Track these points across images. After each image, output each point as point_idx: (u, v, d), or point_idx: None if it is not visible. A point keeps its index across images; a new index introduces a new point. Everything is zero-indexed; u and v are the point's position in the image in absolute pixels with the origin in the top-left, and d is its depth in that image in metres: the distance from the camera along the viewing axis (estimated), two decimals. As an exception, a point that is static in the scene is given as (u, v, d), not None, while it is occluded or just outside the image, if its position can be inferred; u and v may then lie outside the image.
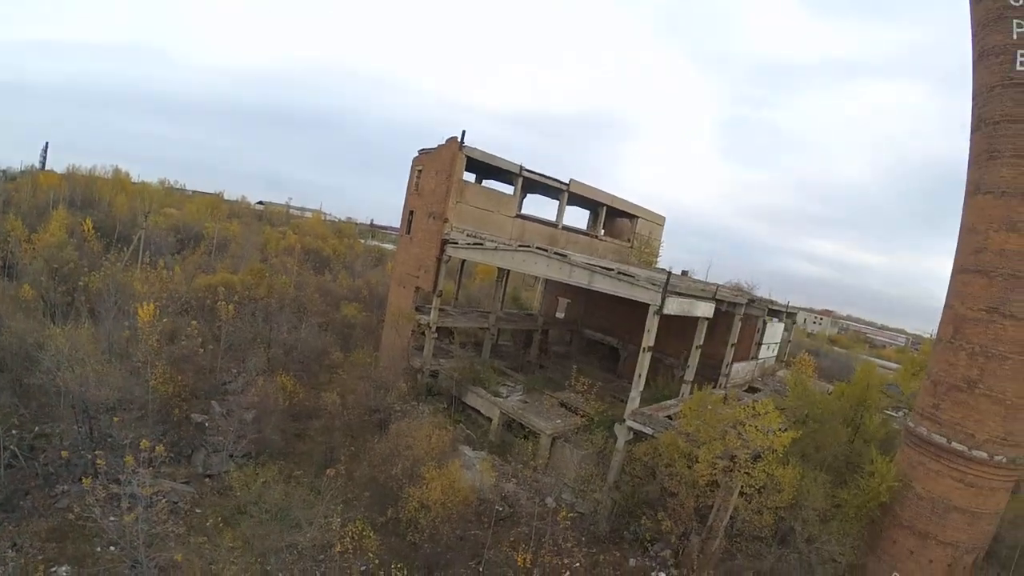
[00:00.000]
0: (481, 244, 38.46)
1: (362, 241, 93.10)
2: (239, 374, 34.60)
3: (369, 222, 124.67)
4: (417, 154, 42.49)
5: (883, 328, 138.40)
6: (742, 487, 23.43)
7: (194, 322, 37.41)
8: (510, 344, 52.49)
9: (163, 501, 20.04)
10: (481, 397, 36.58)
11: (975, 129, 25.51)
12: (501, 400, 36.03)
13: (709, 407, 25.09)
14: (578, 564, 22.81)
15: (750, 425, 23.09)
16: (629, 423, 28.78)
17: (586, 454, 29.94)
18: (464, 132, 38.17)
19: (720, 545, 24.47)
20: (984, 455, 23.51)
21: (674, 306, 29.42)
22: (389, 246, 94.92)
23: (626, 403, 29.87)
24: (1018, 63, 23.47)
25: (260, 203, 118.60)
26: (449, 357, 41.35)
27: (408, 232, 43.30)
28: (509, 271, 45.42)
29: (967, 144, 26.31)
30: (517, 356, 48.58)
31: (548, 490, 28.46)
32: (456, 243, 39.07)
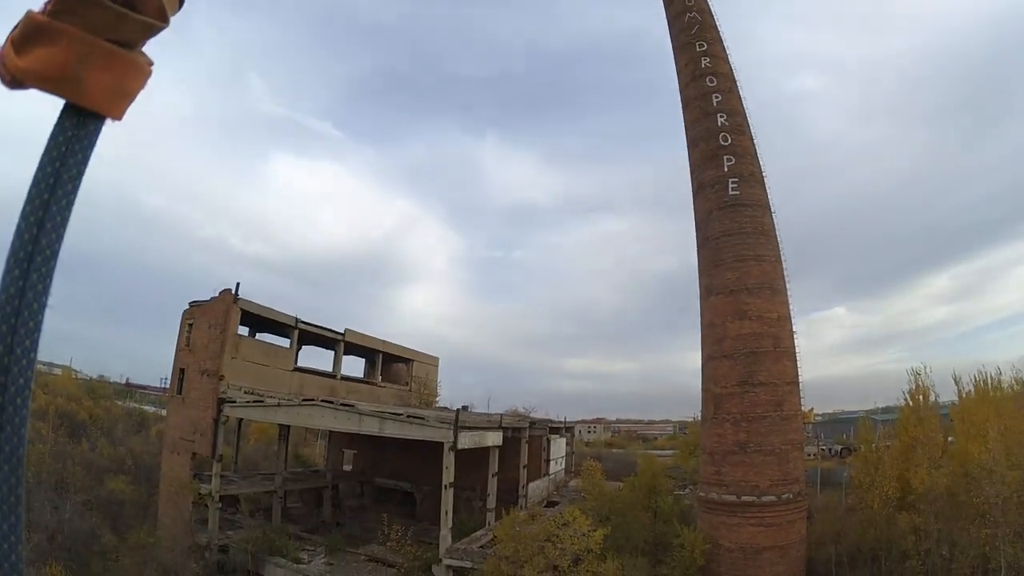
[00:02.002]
0: (262, 401, 36.18)
1: (119, 403, 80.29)
2: (0, 565, 27.67)
3: (124, 381, 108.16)
4: (188, 307, 39.60)
5: (650, 422, 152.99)
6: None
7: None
8: (299, 505, 48.27)
9: None
10: (282, 567, 32.68)
11: (701, 246, 32.14)
12: (305, 567, 32.71)
13: (517, 528, 26.11)
14: None
15: (564, 534, 24.63)
16: (447, 561, 28.44)
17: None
18: (238, 284, 36.81)
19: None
20: (773, 498, 27.84)
21: (467, 440, 30.41)
22: (150, 408, 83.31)
23: (433, 544, 29.76)
24: (730, 189, 30.50)
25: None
26: (238, 528, 36.82)
27: (179, 392, 39.27)
28: (290, 428, 42.98)
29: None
30: (310, 517, 44.80)
31: None
32: (234, 402, 36.13)
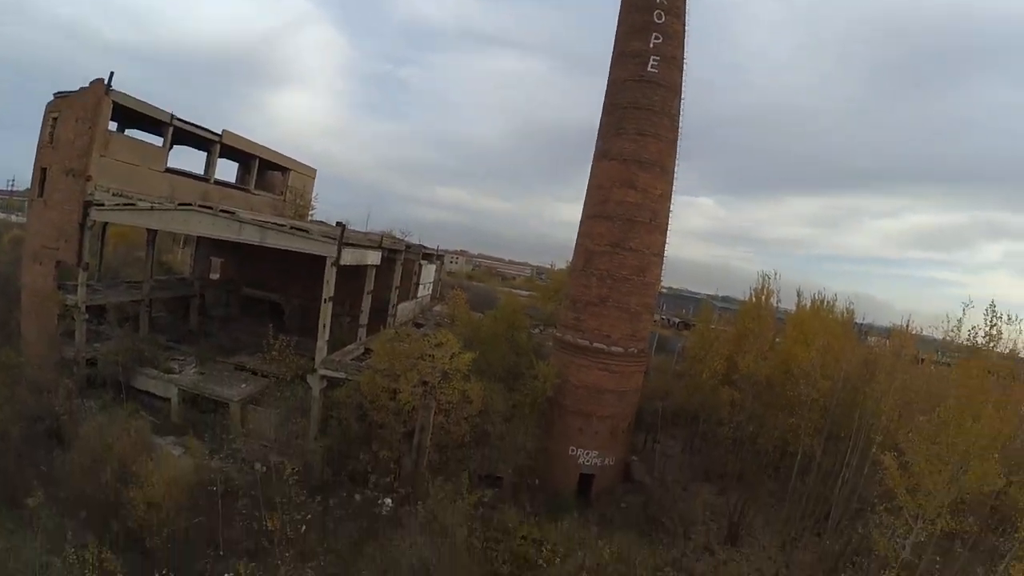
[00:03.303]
0: (133, 204, 34.25)
1: (-39, 209, 71.72)
2: None
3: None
4: (53, 99, 35.65)
5: (510, 263, 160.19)
6: (440, 405, 26.88)
7: None
8: (165, 314, 47.31)
9: None
10: (153, 378, 33.09)
11: (607, 111, 33.28)
12: (176, 376, 33.24)
13: (392, 344, 28.14)
14: (310, 516, 23.20)
15: (437, 354, 26.82)
16: (322, 372, 29.93)
17: (281, 411, 29.96)
18: (112, 74, 33.55)
19: (430, 459, 27.72)
20: (620, 349, 31.69)
21: (349, 257, 31.04)
22: (-5, 213, 75.83)
23: (305, 356, 30.97)
24: (650, 65, 31.40)
25: None
26: (105, 340, 35.70)
27: (41, 194, 36.02)
28: (156, 234, 41.46)
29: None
30: (177, 327, 44.29)
31: (254, 457, 27.76)
32: (103, 205, 34.02)
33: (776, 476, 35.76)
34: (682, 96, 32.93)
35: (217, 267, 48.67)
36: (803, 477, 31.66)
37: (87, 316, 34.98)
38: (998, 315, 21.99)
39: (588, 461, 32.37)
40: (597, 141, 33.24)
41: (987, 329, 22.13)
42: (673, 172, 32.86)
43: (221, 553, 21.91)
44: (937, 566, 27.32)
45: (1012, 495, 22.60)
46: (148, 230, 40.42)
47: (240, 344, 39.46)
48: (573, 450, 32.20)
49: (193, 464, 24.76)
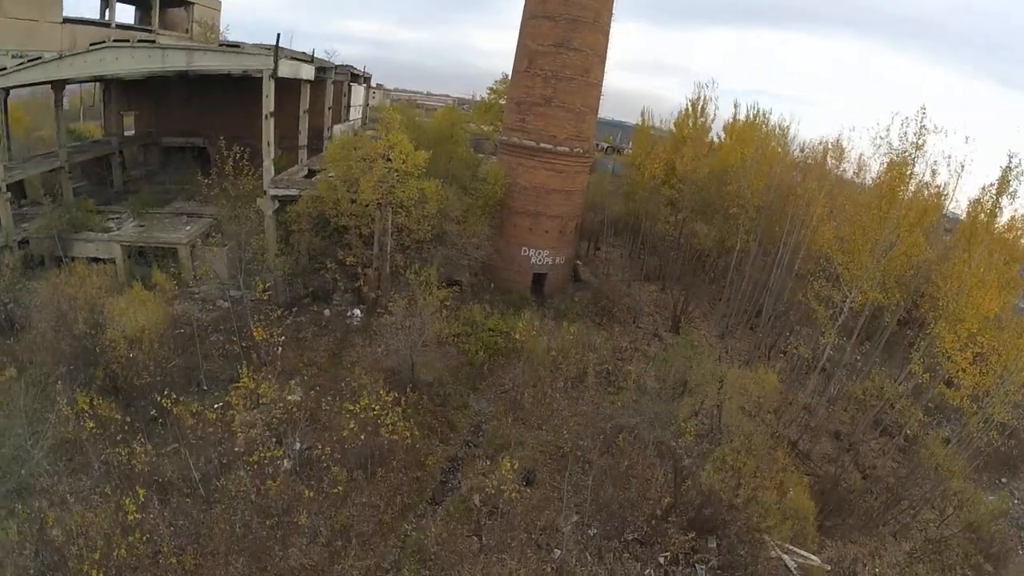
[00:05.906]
0: (40, 57, 30.91)
1: None
2: None
3: None
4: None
5: (429, 95, 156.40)
6: (401, 202, 26.95)
7: None
8: (85, 183, 44.52)
9: None
10: (92, 241, 31.37)
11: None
12: (117, 233, 31.78)
13: (346, 149, 28.05)
14: (284, 337, 23.79)
15: (392, 155, 26.59)
16: (272, 192, 29.39)
17: (232, 245, 29.49)
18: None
19: (394, 260, 28.56)
20: (566, 149, 32.61)
21: (286, 68, 29.36)
22: None
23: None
24: None
25: None
26: (31, 219, 33.08)
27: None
28: (63, 96, 38.27)
29: None
30: (101, 191, 41.91)
31: (214, 296, 28.25)
32: (5, 69, 30.64)
33: (712, 277, 38.62)
34: None
35: (131, 123, 45.57)
36: (738, 273, 34.25)
37: (9, 195, 31.97)
38: (926, 120, 21.52)
39: (540, 260, 34.21)
40: None
41: (914, 139, 21.88)
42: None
43: (205, 388, 22.45)
44: (858, 361, 30.98)
45: (934, 281, 24.20)
46: (54, 90, 37.28)
47: (171, 195, 38.22)
48: (525, 250, 33.83)
49: (161, 304, 23.66)
